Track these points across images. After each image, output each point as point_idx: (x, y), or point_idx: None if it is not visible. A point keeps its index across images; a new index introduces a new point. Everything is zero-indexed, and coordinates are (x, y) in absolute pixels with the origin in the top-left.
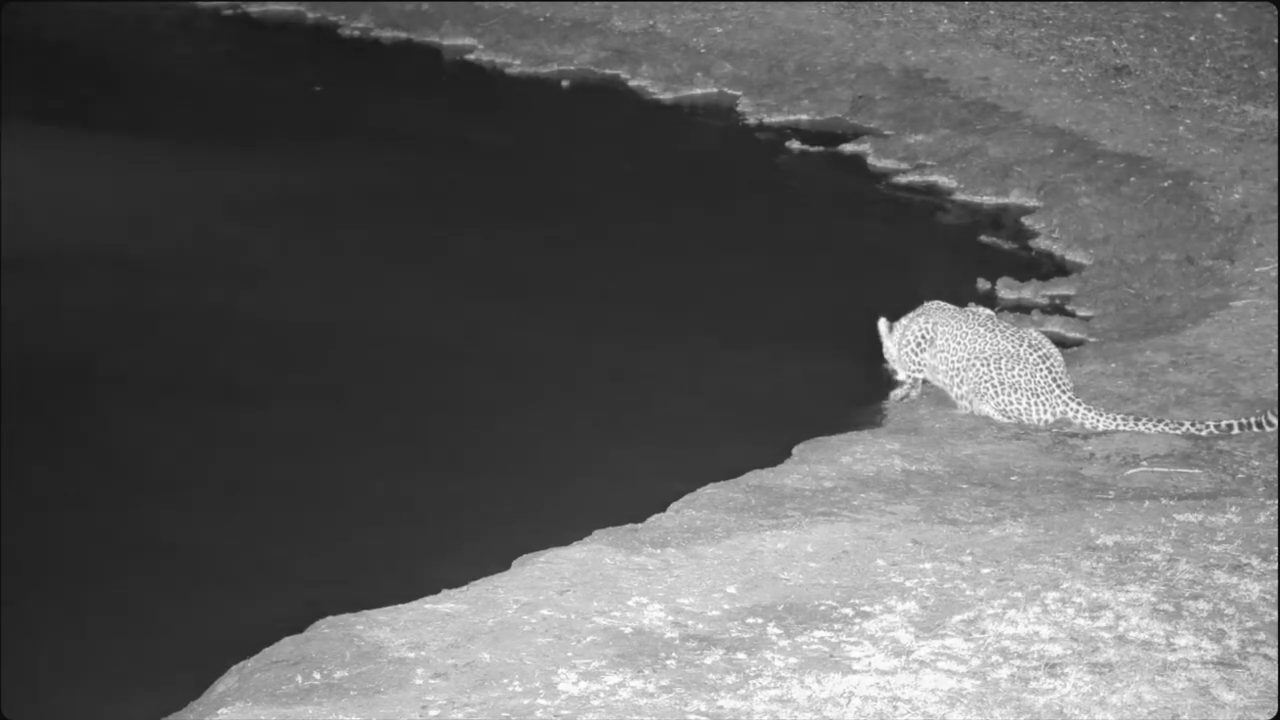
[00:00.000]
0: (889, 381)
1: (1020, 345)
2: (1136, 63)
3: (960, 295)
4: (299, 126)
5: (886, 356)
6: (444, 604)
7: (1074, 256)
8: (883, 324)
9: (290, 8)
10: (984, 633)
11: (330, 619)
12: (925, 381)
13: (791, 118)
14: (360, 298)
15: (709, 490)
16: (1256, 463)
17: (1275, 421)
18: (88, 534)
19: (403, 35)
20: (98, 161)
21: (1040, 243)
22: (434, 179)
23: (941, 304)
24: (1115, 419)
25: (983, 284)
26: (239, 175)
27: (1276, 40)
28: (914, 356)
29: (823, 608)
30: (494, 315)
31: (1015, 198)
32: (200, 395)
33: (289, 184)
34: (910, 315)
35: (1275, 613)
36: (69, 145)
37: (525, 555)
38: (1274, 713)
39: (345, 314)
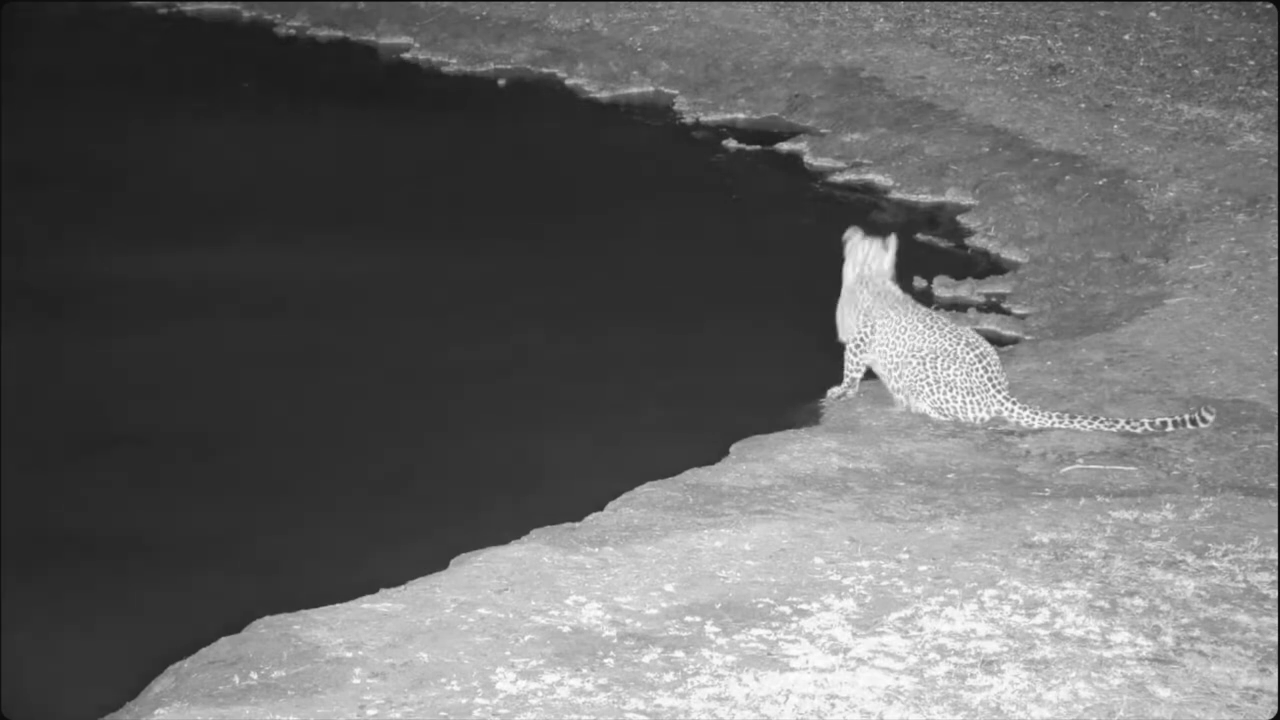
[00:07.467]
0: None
1: (957, 343)
2: (1071, 61)
3: None
4: (217, 122)
5: (845, 275)
6: (381, 603)
7: (1009, 255)
8: (856, 235)
9: (225, 7)
10: (921, 630)
11: (267, 619)
12: (862, 380)
13: (728, 116)
14: (286, 300)
15: (646, 489)
16: (1191, 460)
17: (1209, 418)
18: (20, 532)
19: (339, 34)
20: None
21: (976, 241)
22: (362, 177)
23: (866, 239)
24: (1050, 417)
25: (919, 282)
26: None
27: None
28: (855, 357)
29: (760, 606)
30: (426, 315)
31: (951, 196)
32: (131, 398)
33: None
34: (860, 247)
35: (1210, 608)
36: None
37: (463, 554)
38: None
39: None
